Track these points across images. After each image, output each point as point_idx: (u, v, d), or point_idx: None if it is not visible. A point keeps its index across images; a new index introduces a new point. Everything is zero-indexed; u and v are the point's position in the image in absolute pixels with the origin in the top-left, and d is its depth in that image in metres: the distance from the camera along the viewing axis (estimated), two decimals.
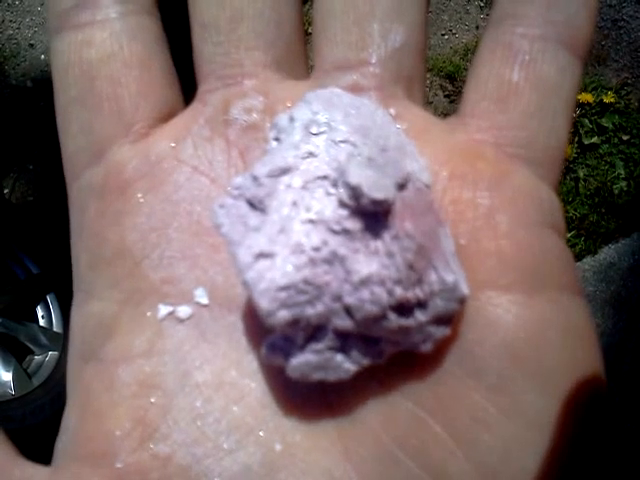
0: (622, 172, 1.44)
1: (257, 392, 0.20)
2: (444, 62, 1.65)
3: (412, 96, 0.22)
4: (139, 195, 0.22)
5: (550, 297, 0.19)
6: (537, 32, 0.21)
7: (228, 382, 0.20)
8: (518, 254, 0.19)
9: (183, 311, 0.20)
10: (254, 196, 0.18)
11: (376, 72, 0.21)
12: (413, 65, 0.22)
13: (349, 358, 0.18)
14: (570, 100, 0.21)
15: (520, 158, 0.21)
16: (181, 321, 0.20)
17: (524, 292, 0.19)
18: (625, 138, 1.48)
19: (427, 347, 0.18)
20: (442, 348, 0.19)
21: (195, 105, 0.23)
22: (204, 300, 0.21)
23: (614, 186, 1.43)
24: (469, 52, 1.66)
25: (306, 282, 0.17)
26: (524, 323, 0.19)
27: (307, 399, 0.20)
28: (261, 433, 0.19)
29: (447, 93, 1.65)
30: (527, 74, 0.21)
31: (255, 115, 0.22)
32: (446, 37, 1.69)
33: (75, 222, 0.23)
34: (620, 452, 0.19)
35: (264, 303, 0.17)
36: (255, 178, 0.18)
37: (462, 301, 0.18)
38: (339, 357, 0.18)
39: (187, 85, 0.25)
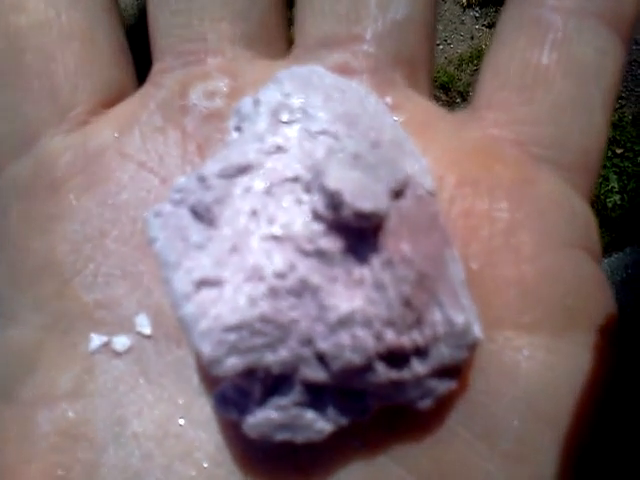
0: (616, 185, 1.41)
1: (209, 446, 0.16)
2: (438, 72, 1.62)
3: (415, 83, 0.18)
4: (72, 196, 0.18)
5: (584, 340, 0.15)
6: (572, 5, 0.16)
7: (173, 433, 0.16)
8: (545, 283, 0.15)
9: (120, 342, 0.17)
10: (199, 202, 0.13)
11: (370, 51, 0.17)
12: (417, 45, 0.17)
13: (323, 416, 0.14)
14: (611, 90, 0.17)
15: (548, 161, 0.16)
16: (118, 355, 0.17)
17: (552, 333, 0.15)
18: (619, 152, 1.45)
19: (426, 404, 0.14)
20: (445, 401, 0.14)
21: (146, 88, 0.19)
22: (147, 330, 0.17)
23: (607, 200, 1.39)
24: (464, 62, 1.63)
25: (265, 320, 0.12)
26: (551, 373, 0.14)
27: (272, 457, 0.16)
28: None
29: (441, 103, 1.61)
30: (559, 56, 0.16)
31: (219, 100, 0.18)
32: (441, 47, 1.66)
33: None
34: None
35: (206, 348, 0.12)
36: (202, 179, 0.13)
37: (473, 347, 0.14)
38: (310, 414, 0.14)
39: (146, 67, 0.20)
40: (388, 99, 0.17)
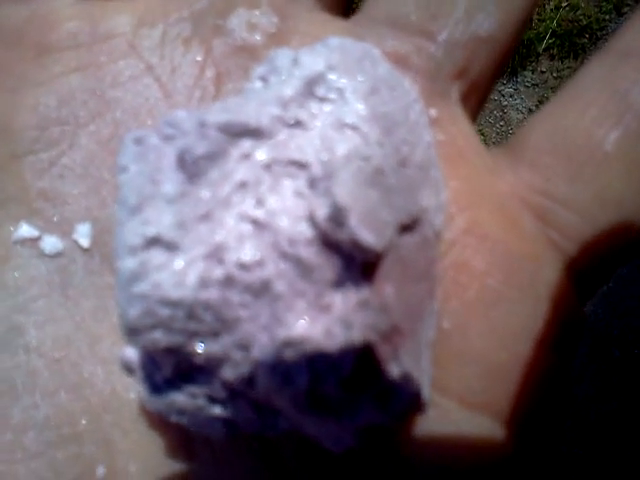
0: None
1: (105, 387, 0.14)
2: None
3: (466, 105, 0.15)
4: (59, 69, 0.15)
5: (527, 434, 0.14)
6: None
7: (71, 359, 0.14)
8: (506, 373, 0.13)
9: (51, 243, 0.15)
10: (188, 149, 0.11)
11: (437, 55, 0.14)
12: (487, 65, 0.15)
13: (230, 417, 0.12)
14: None
15: (565, 253, 0.14)
16: (42, 255, 0.15)
17: (494, 419, 0.13)
18: None
19: (335, 448, 0.12)
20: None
21: None
22: (85, 241, 0.15)
23: None
24: None
25: (208, 308, 0.10)
26: (478, 459, 0.13)
27: (166, 424, 0.14)
28: (87, 447, 0.14)
29: None
30: (627, 147, 0.14)
31: (258, 37, 0.15)
32: None
33: None
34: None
35: (133, 312, 0.10)
36: (202, 124, 0.11)
37: (413, 415, 0.12)
38: (217, 410, 0.12)
39: None
40: (433, 111, 0.14)
